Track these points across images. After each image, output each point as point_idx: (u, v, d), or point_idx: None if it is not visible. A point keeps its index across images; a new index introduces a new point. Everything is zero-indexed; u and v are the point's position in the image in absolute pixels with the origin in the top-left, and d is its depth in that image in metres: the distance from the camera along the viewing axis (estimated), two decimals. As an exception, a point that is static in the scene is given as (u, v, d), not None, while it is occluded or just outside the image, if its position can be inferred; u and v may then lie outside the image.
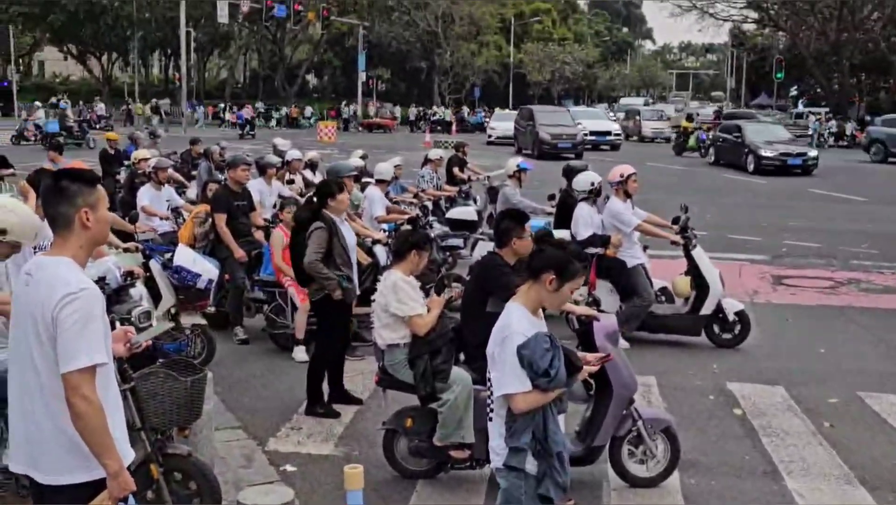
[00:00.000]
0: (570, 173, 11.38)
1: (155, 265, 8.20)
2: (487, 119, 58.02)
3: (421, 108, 64.94)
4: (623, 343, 8.68)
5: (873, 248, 15.47)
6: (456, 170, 15.46)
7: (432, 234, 10.45)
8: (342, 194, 7.43)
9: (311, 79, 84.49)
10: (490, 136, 44.40)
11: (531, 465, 3.88)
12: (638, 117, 52.64)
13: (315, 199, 7.56)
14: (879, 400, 7.77)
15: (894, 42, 53.89)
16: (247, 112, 53.02)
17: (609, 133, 41.99)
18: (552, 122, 36.63)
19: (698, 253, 9.33)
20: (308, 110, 63.20)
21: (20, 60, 70.85)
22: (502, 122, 45.11)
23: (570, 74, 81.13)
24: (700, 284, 9.27)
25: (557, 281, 3.83)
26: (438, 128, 56.03)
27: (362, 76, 61.98)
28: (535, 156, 32.69)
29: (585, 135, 37.50)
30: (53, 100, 55.66)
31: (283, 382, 8.12)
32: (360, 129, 57.41)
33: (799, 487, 6.01)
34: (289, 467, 6.23)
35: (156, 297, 7.74)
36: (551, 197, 12.03)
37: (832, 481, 6.12)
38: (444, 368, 5.75)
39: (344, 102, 65.46)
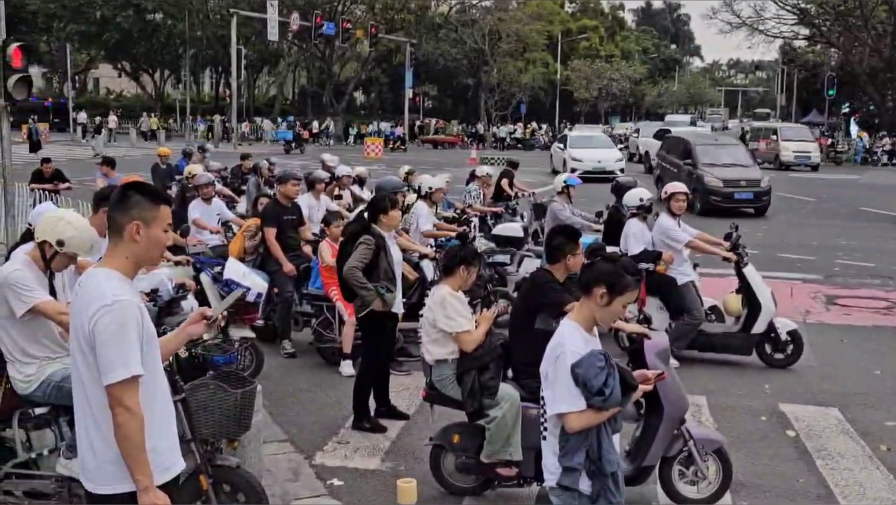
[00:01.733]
0: (618, 190, 11.32)
1: (206, 278, 8.30)
2: (545, 137, 58.22)
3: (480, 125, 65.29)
4: (673, 362, 8.59)
5: (930, 269, 15.14)
6: (505, 183, 15.45)
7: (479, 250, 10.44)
8: (394, 211, 7.46)
9: (359, 95, 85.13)
10: (573, 172, 24.69)
11: (585, 485, 3.82)
12: (774, 137, 39.03)
13: (367, 214, 7.58)
14: (939, 424, 7.57)
15: (950, 58, 52.85)
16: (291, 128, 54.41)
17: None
18: (723, 161, 23.80)
19: (750, 271, 9.19)
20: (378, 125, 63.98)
21: (76, 77, 72.40)
22: (590, 150, 33.14)
23: (616, 91, 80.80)
24: (752, 303, 9.12)
25: (608, 295, 3.78)
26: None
27: (409, 93, 62.27)
28: (698, 211, 21.65)
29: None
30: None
31: (329, 396, 8.13)
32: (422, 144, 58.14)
33: (855, 511, 5.87)
34: (335, 482, 6.23)
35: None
36: (598, 214, 11.95)
37: (890, 506, 5.96)
38: (492, 384, 5.71)
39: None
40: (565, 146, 33.86)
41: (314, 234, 10.43)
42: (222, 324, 5.88)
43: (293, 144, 49.10)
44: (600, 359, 3.70)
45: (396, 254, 7.53)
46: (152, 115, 59.88)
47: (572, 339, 3.78)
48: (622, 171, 30.03)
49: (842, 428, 7.48)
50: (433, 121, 67.14)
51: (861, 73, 55.13)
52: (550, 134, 62.45)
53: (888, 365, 9.42)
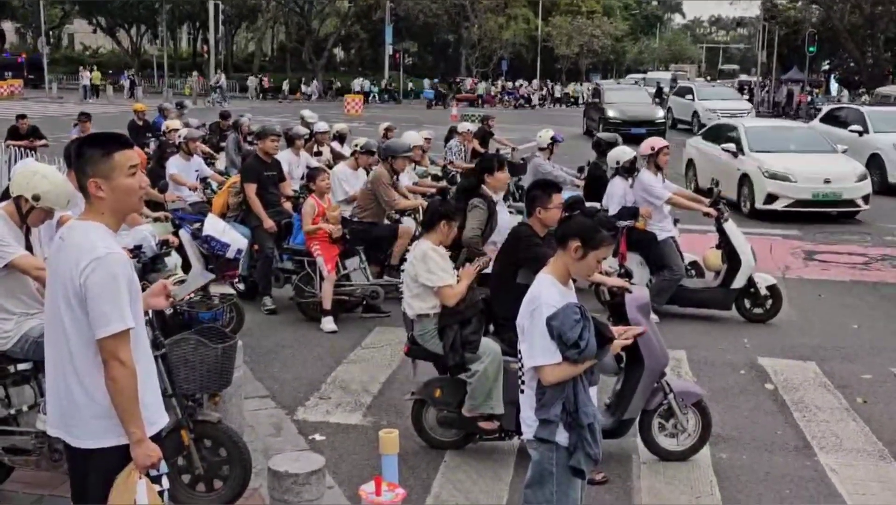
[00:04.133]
0: (600, 146, 11.30)
1: (185, 234, 8.22)
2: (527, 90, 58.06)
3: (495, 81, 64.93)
4: (653, 317, 8.63)
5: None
6: (476, 144, 15.34)
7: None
8: (501, 172, 7.39)
9: (339, 52, 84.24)
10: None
11: (562, 437, 3.84)
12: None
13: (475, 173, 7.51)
14: (914, 377, 7.66)
15: (931, 15, 52.82)
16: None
17: None
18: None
19: (730, 226, 9.22)
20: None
21: (50, 33, 71.16)
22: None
23: (598, 48, 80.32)
24: (732, 258, 9.16)
25: (583, 249, 3.77)
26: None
27: (389, 49, 61.73)
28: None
29: None
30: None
31: (311, 352, 8.14)
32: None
33: (831, 462, 5.95)
34: (317, 437, 6.25)
35: (185, 266, 7.76)
36: (580, 169, 11.93)
37: (865, 457, 6.04)
38: (474, 338, 5.71)
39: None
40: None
41: (294, 191, 10.37)
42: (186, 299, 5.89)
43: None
44: (576, 312, 3.69)
45: (504, 216, 7.49)
46: (93, 69, 58.68)
47: (548, 292, 3.77)
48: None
49: (819, 381, 7.56)
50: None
51: (841, 29, 54.96)
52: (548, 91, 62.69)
53: (865, 319, 9.52)
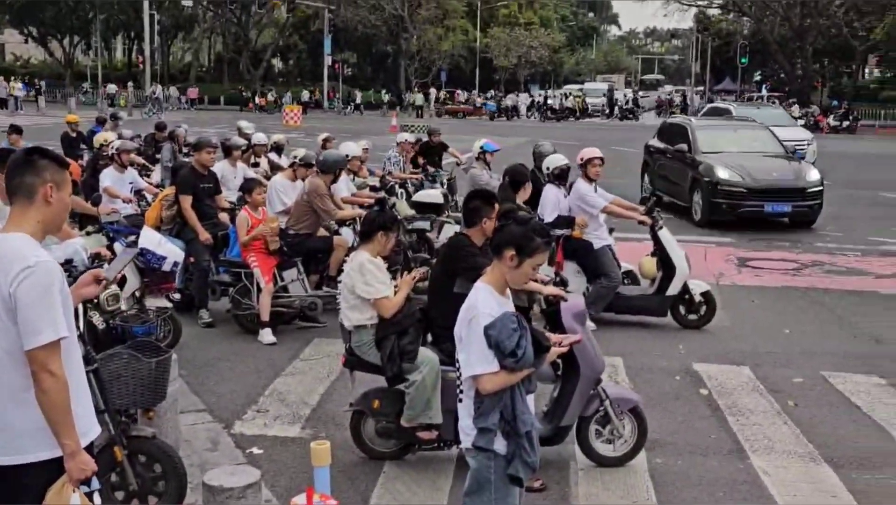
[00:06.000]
0: (537, 155, 11.39)
1: (119, 248, 8.10)
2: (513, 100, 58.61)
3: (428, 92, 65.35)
4: (590, 324, 8.74)
5: (837, 231, 15.65)
6: (421, 159, 15.28)
7: (399, 217, 10.43)
8: (529, 184, 7.92)
9: (277, 62, 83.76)
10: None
11: (500, 445, 3.86)
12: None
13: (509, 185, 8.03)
14: (843, 379, 7.85)
15: (856, 28, 54.46)
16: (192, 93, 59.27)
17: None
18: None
19: (665, 234, 9.37)
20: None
21: (-21, 42, 69.57)
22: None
23: (536, 59, 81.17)
24: (666, 265, 9.31)
25: (518, 257, 3.80)
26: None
27: (328, 60, 61.63)
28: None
29: None
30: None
31: (248, 365, 8.06)
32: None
33: (764, 464, 6.07)
34: (255, 450, 6.18)
35: (121, 279, 7.63)
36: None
37: (796, 459, 6.18)
38: (412, 348, 5.72)
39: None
40: None
41: (230, 203, 10.28)
42: (116, 288, 5.79)
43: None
44: (513, 321, 3.72)
45: None
46: (12, 78, 57.64)
47: (485, 301, 3.80)
48: None
49: (752, 385, 7.71)
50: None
51: (772, 41, 56.46)
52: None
53: (796, 324, 9.74)
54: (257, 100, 61.49)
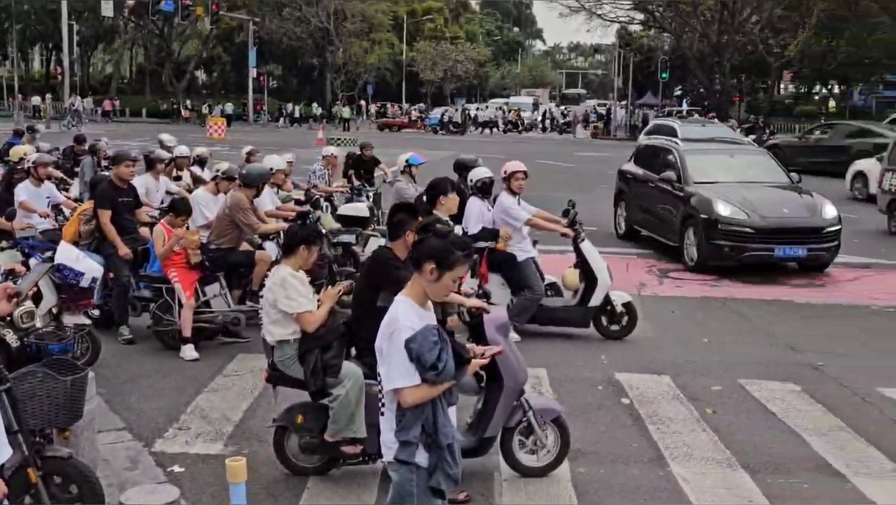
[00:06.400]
0: (461, 168, 11.48)
1: (35, 263, 7.89)
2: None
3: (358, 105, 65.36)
4: (514, 336, 8.81)
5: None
6: (352, 173, 15.19)
7: (323, 230, 10.39)
8: (453, 193, 7.50)
9: (200, 75, 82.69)
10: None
11: (422, 458, 3.87)
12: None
13: (425, 198, 7.59)
14: (759, 387, 8.06)
15: (771, 44, 56.11)
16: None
17: None
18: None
19: (587, 246, 9.51)
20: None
21: None
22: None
23: (461, 73, 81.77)
24: (588, 277, 9.45)
25: (438, 270, 3.82)
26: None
27: (253, 72, 61.10)
28: None
29: None
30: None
31: (170, 382, 7.92)
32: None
33: (683, 471, 6.19)
34: (176, 468, 6.08)
35: (37, 296, 7.44)
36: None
37: (714, 465, 6.32)
38: (335, 362, 5.70)
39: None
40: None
41: (152, 217, 10.12)
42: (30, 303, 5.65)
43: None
44: (434, 334, 3.74)
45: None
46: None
47: (406, 314, 3.81)
48: None
49: (673, 394, 7.87)
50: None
51: (691, 57, 57.78)
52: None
53: (715, 334, 9.97)
54: (183, 112, 60.69)
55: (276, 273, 5.94)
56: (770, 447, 6.67)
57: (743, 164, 15.10)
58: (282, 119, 62.78)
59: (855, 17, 52.14)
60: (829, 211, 13.37)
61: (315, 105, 67.11)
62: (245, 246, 9.40)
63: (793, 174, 14.94)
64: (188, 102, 63.87)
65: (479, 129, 61.17)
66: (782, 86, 74.65)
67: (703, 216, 13.18)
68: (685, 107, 62.07)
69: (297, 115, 63.02)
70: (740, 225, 12.85)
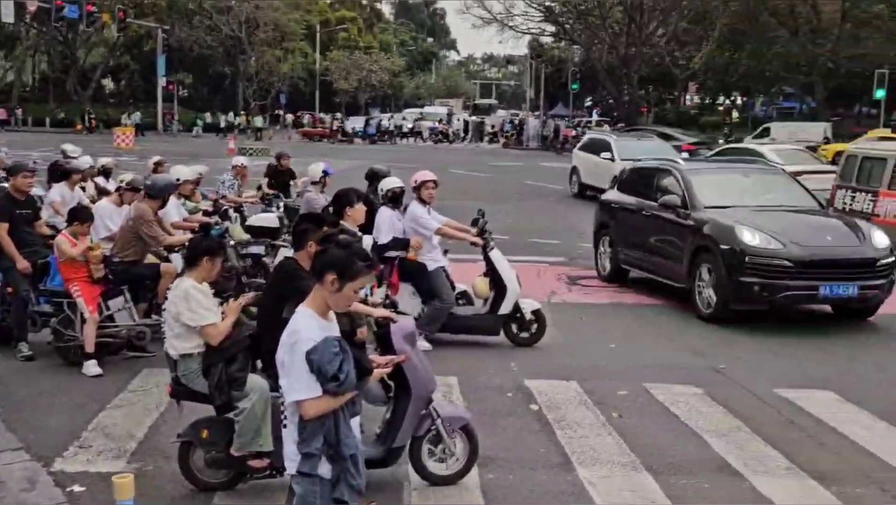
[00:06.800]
0: (372, 177, 11.47)
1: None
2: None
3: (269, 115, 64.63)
4: (425, 345, 8.85)
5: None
6: (265, 183, 14.99)
7: (231, 242, 10.26)
8: (359, 204, 7.37)
9: (108, 83, 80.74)
10: None
11: (325, 469, 3.86)
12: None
13: (332, 209, 7.42)
14: (663, 390, 8.24)
15: (677, 57, 57.68)
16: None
17: None
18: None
19: (496, 255, 9.61)
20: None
21: None
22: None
23: (376, 83, 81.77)
24: (498, 285, 9.54)
25: (339, 281, 3.82)
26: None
27: (162, 81, 59.96)
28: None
29: None
30: None
31: (71, 399, 7.70)
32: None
33: (589, 475, 6.29)
34: (76, 488, 5.91)
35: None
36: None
37: (619, 468, 6.44)
38: (240, 375, 5.63)
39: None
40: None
41: (53, 228, 9.84)
42: None
43: None
44: (335, 345, 3.73)
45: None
46: None
47: (307, 326, 3.80)
48: None
49: (580, 399, 7.99)
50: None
51: (601, 69, 58.98)
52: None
53: (622, 339, 10.17)
54: (88, 122, 59.10)
55: (178, 286, 5.84)
56: (673, 449, 6.83)
57: (761, 185, 12.63)
58: (195, 129, 61.71)
59: (755, 31, 54.08)
60: (881, 239, 10.97)
61: (232, 114, 66.15)
62: (151, 258, 9.23)
63: (819, 197, 12.89)
64: (89, 111, 62.20)
65: (405, 138, 61.33)
66: (688, 97, 76.78)
67: (723, 247, 10.60)
68: (595, 117, 63.26)
69: (222, 125, 61.92)
70: (775, 257, 10.34)
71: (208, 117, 63.90)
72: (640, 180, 13.48)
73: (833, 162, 37.06)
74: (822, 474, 6.33)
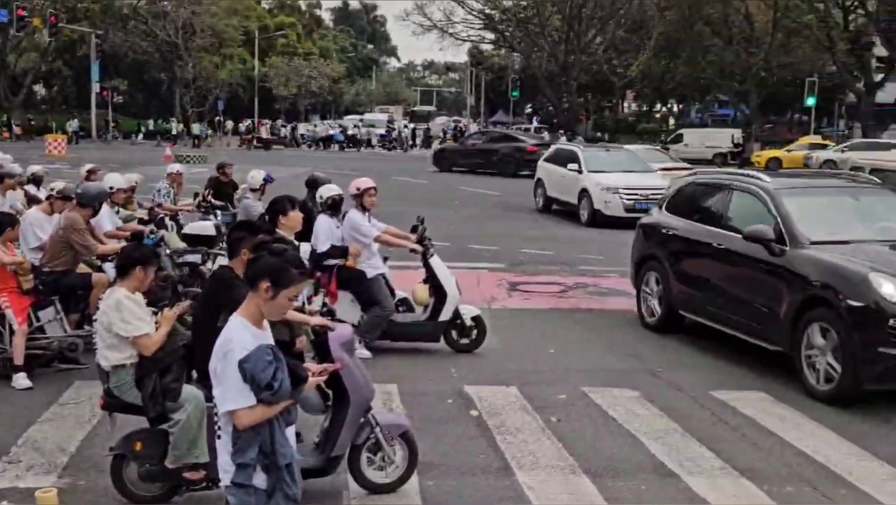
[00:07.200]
0: (312, 184, 11.40)
1: None
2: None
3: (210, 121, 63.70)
4: (365, 353, 8.83)
5: (600, 255, 16.62)
6: (208, 194, 14.55)
7: (167, 251, 10.11)
8: (294, 212, 7.18)
9: (39, 88, 79.01)
10: None
11: (260, 480, 3.81)
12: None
13: (267, 217, 7.26)
14: (602, 394, 8.32)
15: (615, 65, 58.47)
16: None
17: None
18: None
19: (436, 261, 9.61)
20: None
21: None
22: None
23: (316, 89, 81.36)
24: (438, 292, 9.55)
25: (273, 289, 3.78)
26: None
27: (96, 87, 58.86)
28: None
29: None
30: None
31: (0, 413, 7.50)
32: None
33: (529, 480, 6.32)
34: (4, 504, 5.75)
35: None
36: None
37: (558, 472, 6.48)
38: (175, 386, 5.54)
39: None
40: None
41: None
42: None
43: None
44: (268, 353, 3.70)
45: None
46: None
47: (240, 334, 3.75)
48: None
49: (520, 404, 8.02)
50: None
51: (540, 76, 59.49)
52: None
53: (561, 344, 10.24)
54: (14, 128, 57.62)
55: (110, 295, 5.73)
56: (611, 451, 6.90)
57: (879, 210, 9.65)
58: (134, 136, 60.72)
59: (690, 40, 55.14)
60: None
61: (174, 121, 65.19)
62: (83, 268, 9.04)
63: None
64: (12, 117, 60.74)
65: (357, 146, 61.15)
66: (626, 104, 77.84)
67: (850, 303, 7.83)
68: (535, 124, 63.79)
69: (174, 131, 60.89)
70: None
71: (151, 124, 62.88)
72: (702, 200, 10.63)
73: (766, 167, 38.16)
74: (754, 474, 6.46)
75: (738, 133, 47.58)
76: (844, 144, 40.76)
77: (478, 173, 35.81)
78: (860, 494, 6.21)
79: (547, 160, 24.59)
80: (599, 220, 20.70)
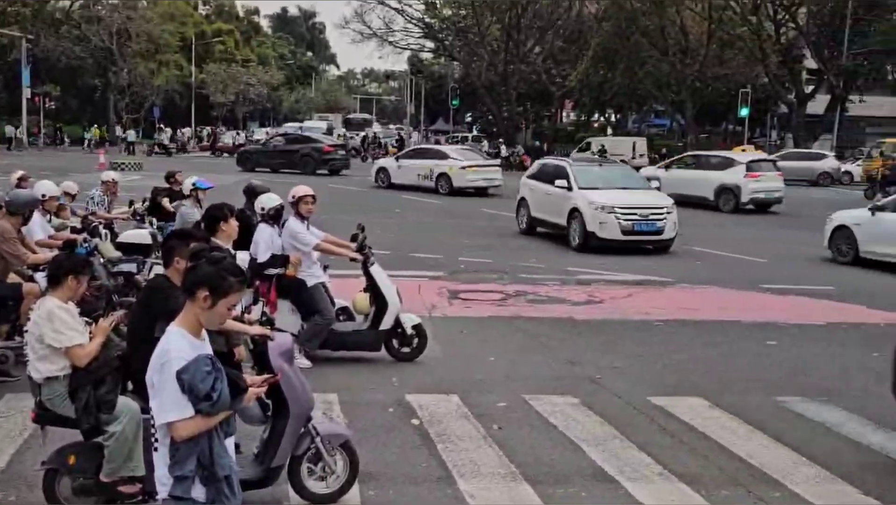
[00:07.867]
0: (250, 193, 11.28)
1: None
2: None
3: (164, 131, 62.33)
4: (305, 362, 8.76)
5: (540, 263, 16.73)
6: (166, 202, 14.16)
7: (101, 259, 9.90)
8: (233, 219, 7.07)
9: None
10: None
11: (199, 492, 3.74)
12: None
13: (203, 225, 7.11)
14: (542, 401, 8.37)
15: (553, 74, 59.05)
16: None
17: None
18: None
19: (376, 270, 9.57)
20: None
21: None
22: None
23: (254, 96, 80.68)
24: (379, 300, 9.51)
25: (211, 298, 3.72)
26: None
27: (27, 93, 57.46)
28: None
29: None
30: None
31: (-74, 428, 7.26)
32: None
33: (470, 488, 6.32)
34: (-72, 523, 5.58)
35: None
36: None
37: (499, 480, 6.50)
38: (110, 398, 5.42)
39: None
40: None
41: None
42: None
43: None
44: (207, 363, 3.64)
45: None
46: None
47: (178, 345, 3.68)
48: None
49: (461, 412, 8.03)
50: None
51: (480, 85, 59.82)
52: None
53: (501, 351, 10.28)
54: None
55: (41, 306, 5.59)
56: (551, 458, 6.94)
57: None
58: (88, 142, 59.28)
59: (627, 51, 55.98)
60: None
61: (105, 128, 63.89)
62: (13, 278, 8.81)
63: None
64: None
65: None
66: (565, 113, 78.64)
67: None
68: (475, 132, 64.07)
69: (130, 138, 59.29)
70: None
71: (94, 130, 61.55)
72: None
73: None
74: (692, 478, 6.56)
75: (640, 141, 49.58)
76: (777, 154, 41.76)
77: (280, 172, 37.51)
78: (794, 496, 6.35)
79: (531, 177, 21.75)
80: (593, 244, 18.15)
